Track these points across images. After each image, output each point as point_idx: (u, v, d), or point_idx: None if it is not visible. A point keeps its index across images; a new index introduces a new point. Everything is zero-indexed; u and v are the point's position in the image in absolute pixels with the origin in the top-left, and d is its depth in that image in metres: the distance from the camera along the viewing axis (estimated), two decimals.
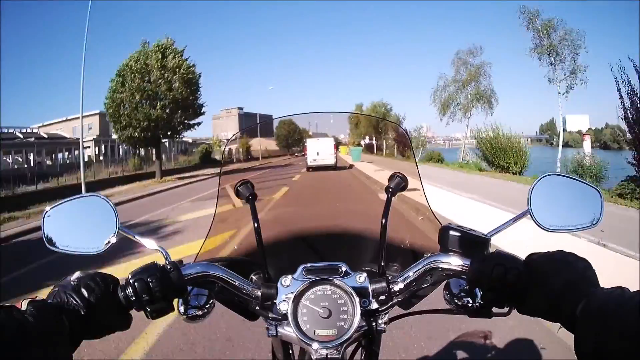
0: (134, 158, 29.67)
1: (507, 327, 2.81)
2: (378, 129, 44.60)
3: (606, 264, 3.98)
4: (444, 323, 2.86)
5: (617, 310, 0.49)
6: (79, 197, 0.70)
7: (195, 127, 24.31)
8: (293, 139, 51.31)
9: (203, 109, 24.33)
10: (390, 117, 44.23)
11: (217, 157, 40.53)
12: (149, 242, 0.69)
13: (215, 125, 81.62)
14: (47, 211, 0.68)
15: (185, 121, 23.28)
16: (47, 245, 0.67)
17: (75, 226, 0.69)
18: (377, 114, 45.13)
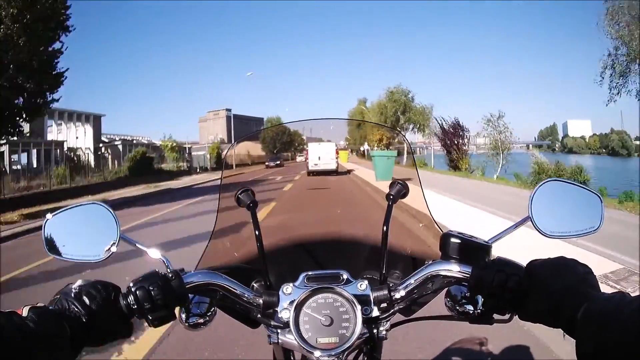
0: (57, 167, 21.02)
1: (503, 334, 2.82)
2: (397, 128, 35.88)
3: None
4: (440, 330, 2.86)
5: (617, 314, 0.50)
6: (80, 205, 0.70)
7: (51, 105, 12.74)
8: (281, 141, 45.16)
9: (61, 68, 12.21)
10: (413, 109, 36.66)
11: (166, 165, 32.57)
12: (150, 250, 0.69)
13: (202, 129, 76.72)
14: (48, 218, 0.68)
15: (27, 94, 11.43)
16: (48, 251, 0.67)
17: (76, 234, 0.69)
18: (396, 105, 36.94)
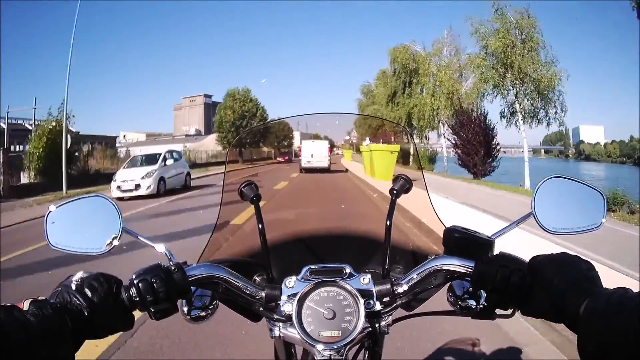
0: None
1: (496, 334, 2.84)
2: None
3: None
4: (439, 324, 2.88)
5: (620, 310, 0.50)
6: (83, 198, 0.70)
7: None
8: (247, 128, 30.74)
9: None
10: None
11: None
12: (153, 243, 0.69)
13: (177, 118, 66.83)
14: (50, 211, 0.68)
15: None
16: (50, 244, 0.66)
17: (78, 226, 0.68)
18: None
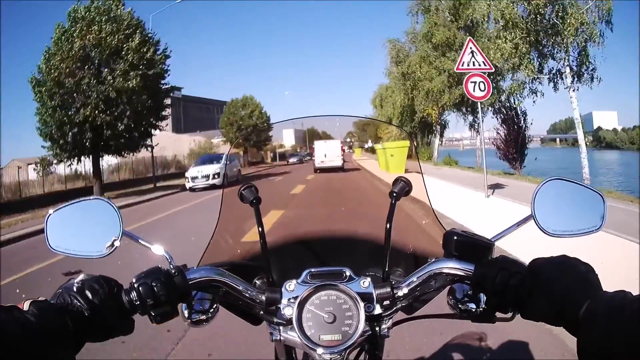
0: None
1: (502, 329, 2.83)
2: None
3: None
4: (440, 326, 2.87)
5: (619, 313, 0.50)
6: (83, 200, 0.70)
7: None
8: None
9: None
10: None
11: None
12: (153, 246, 0.69)
13: None
14: (50, 214, 0.68)
15: None
16: (50, 247, 0.67)
17: (78, 229, 0.69)
18: None
